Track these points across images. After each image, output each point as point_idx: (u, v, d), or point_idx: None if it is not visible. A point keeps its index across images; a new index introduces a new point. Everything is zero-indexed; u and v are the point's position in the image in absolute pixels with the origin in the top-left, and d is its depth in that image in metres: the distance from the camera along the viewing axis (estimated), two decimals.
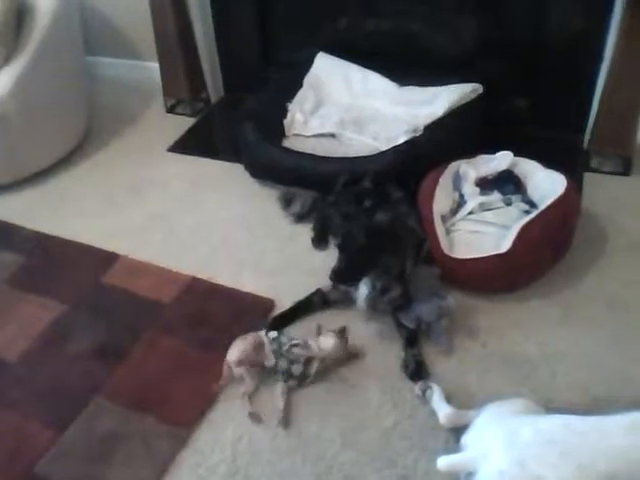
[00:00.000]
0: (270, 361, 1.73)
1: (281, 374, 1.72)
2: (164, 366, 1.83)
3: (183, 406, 1.72)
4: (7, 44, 2.54)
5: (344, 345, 1.77)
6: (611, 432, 1.31)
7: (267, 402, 1.71)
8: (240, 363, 1.73)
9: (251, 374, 1.73)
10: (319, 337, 1.78)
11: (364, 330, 1.87)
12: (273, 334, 1.79)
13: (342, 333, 1.77)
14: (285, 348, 1.74)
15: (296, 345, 1.75)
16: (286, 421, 1.65)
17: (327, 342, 1.75)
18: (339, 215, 2.07)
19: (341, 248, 1.84)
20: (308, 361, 1.73)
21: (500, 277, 1.93)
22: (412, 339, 1.81)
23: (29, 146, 2.65)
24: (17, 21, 2.60)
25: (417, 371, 1.73)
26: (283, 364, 1.72)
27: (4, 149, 2.58)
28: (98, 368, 1.84)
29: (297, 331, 1.87)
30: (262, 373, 1.75)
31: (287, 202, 2.38)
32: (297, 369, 1.71)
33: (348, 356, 1.79)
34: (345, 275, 1.81)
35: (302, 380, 1.72)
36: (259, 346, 1.76)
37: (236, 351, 1.75)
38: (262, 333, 1.80)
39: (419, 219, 2.04)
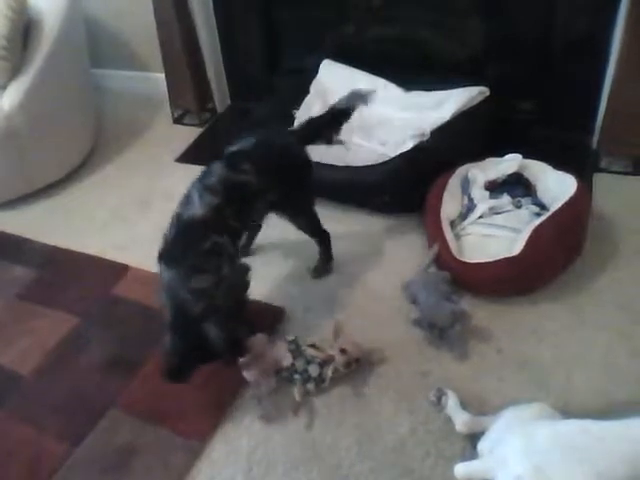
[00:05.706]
0: (287, 360, 1.73)
1: (299, 374, 1.71)
2: None
3: (197, 417, 1.71)
4: (13, 59, 2.56)
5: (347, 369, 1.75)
6: (630, 436, 1.30)
7: (284, 409, 1.71)
8: (249, 367, 1.73)
9: (266, 377, 1.73)
10: (337, 340, 1.76)
11: (378, 335, 1.85)
12: (290, 336, 1.79)
13: (349, 365, 1.74)
14: (303, 348, 1.75)
15: (312, 346, 1.75)
16: (310, 423, 1.66)
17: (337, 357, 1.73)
18: None
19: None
20: (325, 362, 1.72)
21: (512, 281, 1.92)
22: None
23: (38, 160, 2.67)
24: (23, 36, 2.61)
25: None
26: (301, 364, 1.72)
27: (13, 163, 2.60)
28: (112, 380, 1.85)
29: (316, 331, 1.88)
30: (277, 376, 1.74)
31: None
32: (314, 370, 1.71)
33: (361, 363, 1.77)
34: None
35: (319, 383, 1.71)
36: (262, 346, 1.76)
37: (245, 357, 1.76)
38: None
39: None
